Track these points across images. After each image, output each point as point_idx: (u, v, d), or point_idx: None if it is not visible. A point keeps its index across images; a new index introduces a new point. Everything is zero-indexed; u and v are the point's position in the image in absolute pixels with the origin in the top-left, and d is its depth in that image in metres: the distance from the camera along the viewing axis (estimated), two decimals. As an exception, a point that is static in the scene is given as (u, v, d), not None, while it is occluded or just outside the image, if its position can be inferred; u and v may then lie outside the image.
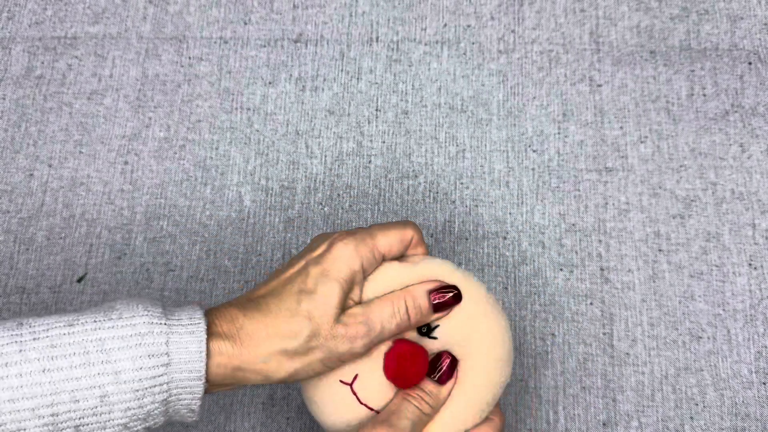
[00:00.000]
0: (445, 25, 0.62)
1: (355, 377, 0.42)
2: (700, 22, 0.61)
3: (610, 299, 0.54)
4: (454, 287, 0.42)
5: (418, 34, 0.62)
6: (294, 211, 0.57)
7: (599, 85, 0.60)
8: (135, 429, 0.38)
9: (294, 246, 0.56)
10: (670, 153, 0.58)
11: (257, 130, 0.60)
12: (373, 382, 0.42)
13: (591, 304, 0.54)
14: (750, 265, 0.55)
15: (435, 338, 0.42)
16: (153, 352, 0.37)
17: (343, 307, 0.41)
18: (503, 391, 0.43)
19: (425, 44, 0.62)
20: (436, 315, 0.42)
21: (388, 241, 0.43)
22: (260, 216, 0.57)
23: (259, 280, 0.56)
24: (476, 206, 0.57)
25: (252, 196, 0.58)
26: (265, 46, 0.62)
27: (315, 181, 0.58)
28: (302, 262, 0.42)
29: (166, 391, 0.37)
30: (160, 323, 0.38)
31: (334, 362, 0.40)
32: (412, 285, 0.42)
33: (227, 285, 0.55)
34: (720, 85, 0.59)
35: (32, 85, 0.61)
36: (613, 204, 0.56)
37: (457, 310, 0.42)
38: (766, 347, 0.53)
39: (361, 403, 0.42)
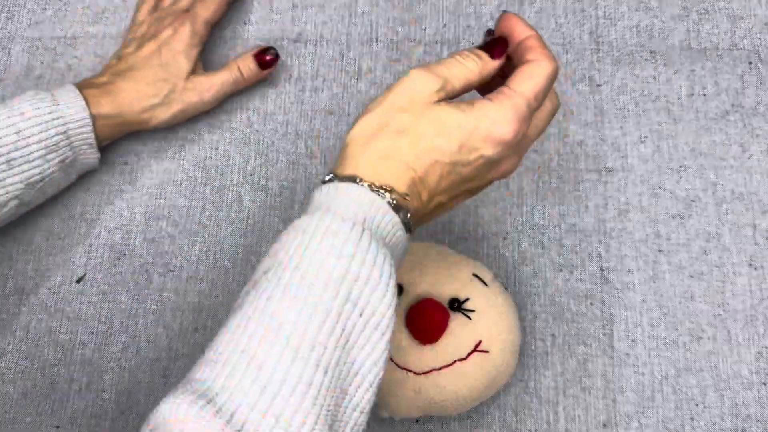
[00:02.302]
0: (445, 25, 0.62)
1: None
2: (700, 22, 0.61)
3: (610, 300, 0.54)
4: (272, 48, 0.59)
5: (417, 35, 0.62)
6: (294, 212, 0.57)
7: (599, 85, 0.60)
8: (52, 161, 0.52)
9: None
10: (670, 153, 0.58)
11: (257, 130, 0.60)
12: (395, 332, 0.45)
13: (591, 304, 0.54)
14: (750, 265, 0.54)
15: (468, 317, 0.47)
16: (42, 98, 0.52)
17: (193, 73, 0.57)
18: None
19: (425, 44, 0.62)
20: (265, 72, 0.59)
21: (206, 6, 0.59)
22: (260, 216, 0.57)
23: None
24: (476, 206, 0.57)
25: (252, 196, 0.58)
26: (264, 46, 0.62)
27: (315, 181, 0.58)
28: (153, 45, 0.57)
29: (63, 125, 0.52)
30: (44, 91, 0.53)
31: (190, 113, 0.58)
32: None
33: (227, 285, 0.55)
34: (720, 84, 0.59)
35: (32, 85, 0.61)
36: (613, 204, 0.56)
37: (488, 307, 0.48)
38: (766, 348, 0.53)
39: None
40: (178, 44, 0.56)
